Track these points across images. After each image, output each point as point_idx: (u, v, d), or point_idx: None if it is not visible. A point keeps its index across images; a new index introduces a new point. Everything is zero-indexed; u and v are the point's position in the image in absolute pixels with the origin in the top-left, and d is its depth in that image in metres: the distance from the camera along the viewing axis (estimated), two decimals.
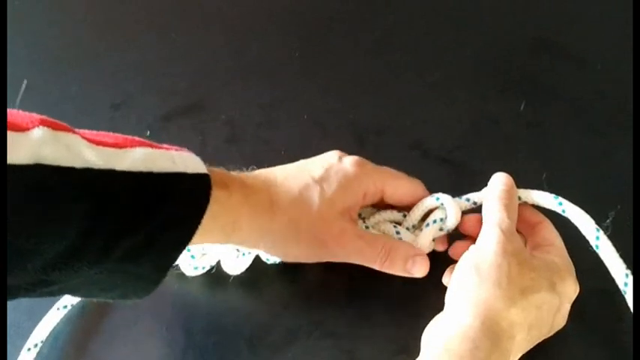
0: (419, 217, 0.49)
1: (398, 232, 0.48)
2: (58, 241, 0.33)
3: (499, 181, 0.46)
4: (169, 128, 0.61)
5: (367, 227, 0.49)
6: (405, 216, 0.49)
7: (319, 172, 0.45)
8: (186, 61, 0.66)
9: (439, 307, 0.50)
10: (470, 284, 0.41)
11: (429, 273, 0.50)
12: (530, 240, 0.46)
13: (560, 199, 0.46)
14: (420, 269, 0.46)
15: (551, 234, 0.46)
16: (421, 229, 0.48)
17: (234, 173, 0.45)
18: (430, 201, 0.48)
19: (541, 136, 0.59)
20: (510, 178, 0.46)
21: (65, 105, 0.63)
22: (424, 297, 0.51)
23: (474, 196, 0.48)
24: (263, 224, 0.44)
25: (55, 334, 0.50)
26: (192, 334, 0.50)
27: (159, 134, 0.60)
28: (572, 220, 0.45)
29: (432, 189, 0.56)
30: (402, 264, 0.46)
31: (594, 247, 0.44)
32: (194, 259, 0.49)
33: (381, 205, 0.50)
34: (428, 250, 0.48)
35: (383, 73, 0.64)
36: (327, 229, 0.44)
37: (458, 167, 0.57)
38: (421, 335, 0.49)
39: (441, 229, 0.48)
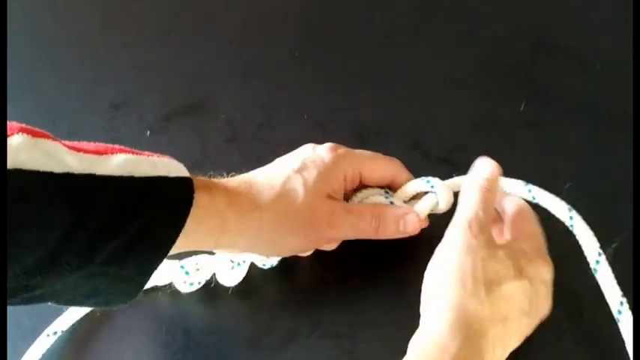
0: (406, 198, 0.49)
1: (392, 203, 0.48)
2: (39, 245, 0.33)
3: (483, 168, 0.45)
4: (169, 128, 0.61)
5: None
6: (387, 192, 0.49)
7: (297, 164, 0.46)
8: (186, 61, 0.66)
9: None
10: (436, 287, 0.41)
11: None
12: (508, 231, 0.46)
13: (530, 186, 0.46)
14: (412, 226, 0.47)
15: (526, 223, 0.45)
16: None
17: (215, 179, 0.45)
18: (420, 184, 0.48)
19: (541, 136, 0.59)
20: (497, 166, 0.45)
21: (65, 105, 0.63)
22: None
23: (458, 182, 0.47)
24: (252, 224, 0.44)
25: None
26: (192, 334, 0.50)
27: (159, 134, 0.60)
28: (576, 233, 0.45)
29: None
30: (394, 226, 0.46)
31: (593, 271, 0.44)
32: (188, 276, 0.49)
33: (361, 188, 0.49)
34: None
35: (383, 73, 0.64)
36: (316, 213, 0.45)
37: (458, 167, 0.57)
38: None
39: (431, 211, 0.48)
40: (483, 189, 0.44)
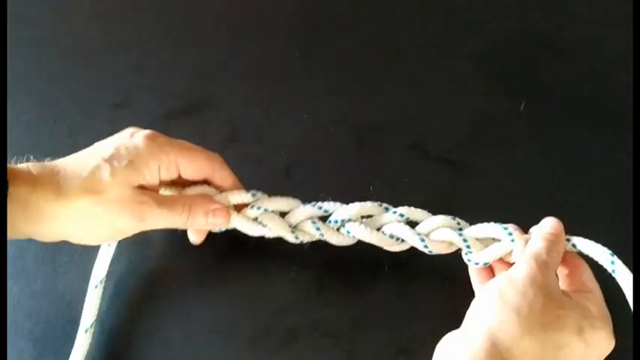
0: (479, 237, 0.47)
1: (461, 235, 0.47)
2: None
3: (548, 224, 0.45)
4: (169, 128, 0.61)
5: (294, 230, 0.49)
6: (459, 224, 0.48)
7: (109, 152, 0.44)
8: (186, 61, 0.66)
9: (439, 308, 0.50)
10: (490, 308, 0.40)
11: (429, 273, 0.50)
12: (569, 282, 0.45)
13: (615, 257, 0.45)
14: (221, 220, 0.47)
15: (591, 281, 0.44)
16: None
17: (22, 165, 0.44)
18: (499, 232, 0.46)
19: (541, 136, 0.59)
20: (560, 224, 0.45)
21: (65, 105, 0.63)
22: (424, 297, 0.51)
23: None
24: (58, 212, 0.42)
25: (51, 330, 0.50)
26: (192, 334, 0.50)
27: None
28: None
29: (432, 189, 0.56)
30: (203, 218, 0.47)
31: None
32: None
33: (182, 182, 0.49)
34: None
35: (383, 73, 0.64)
36: (125, 204, 0.44)
37: (458, 167, 0.58)
38: (421, 335, 0.49)
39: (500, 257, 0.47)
40: (548, 240, 0.44)
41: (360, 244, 0.49)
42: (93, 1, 0.72)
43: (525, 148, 0.58)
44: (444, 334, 0.49)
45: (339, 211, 0.48)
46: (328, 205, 0.48)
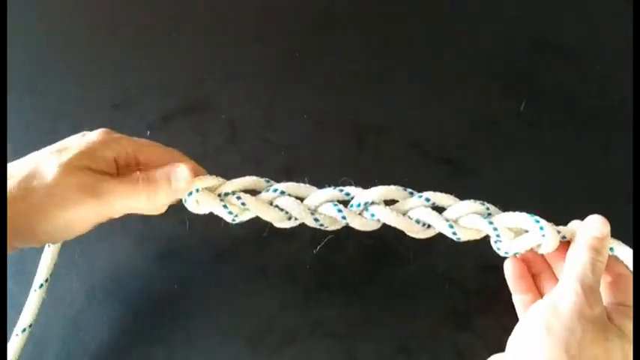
0: (508, 225, 0.45)
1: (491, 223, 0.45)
2: None
3: (594, 226, 0.43)
4: (169, 128, 0.61)
5: (314, 212, 0.46)
6: (488, 209, 0.45)
7: (58, 147, 0.44)
8: (186, 61, 0.66)
9: (439, 307, 0.50)
10: (538, 342, 0.39)
11: (429, 273, 0.50)
12: (612, 294, 0.44)
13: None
14: (183, 178, 0.44)
15: (630, 292, 0.43)
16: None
17: None
18: (529, 223, 0.44)
19: (541, 136, 0.59)
20: (607, 224, 0.43)
21: (65, 105, 0.63)
22: (424, 297, 0.51)
23: (566, 231, 0.44)
24: (21, 209, 0.41)
25: (52, 330, 0.50)
26: (192, 334, 0.50)
27: (159, 134, 0.60)
28: None
29: (432, 189, 0.56)
30: (166, 185, 0.44)
31: None
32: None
33: None
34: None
35: (383, 73, 0.64)
36: (71, 187, 0.42)
37: (458, 167, 0.58)
38: (421, 335, 0.49)
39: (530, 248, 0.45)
40: (594, 249, 0.42)
41: (360, 244, 0.49)
42: (93, 1, 0.72)
43: (525, 148, 0.58)
44: (443, 334, 0.49)
45: (361, 193, 0.45)
46: (349, 189, 0.46)
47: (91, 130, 0.46)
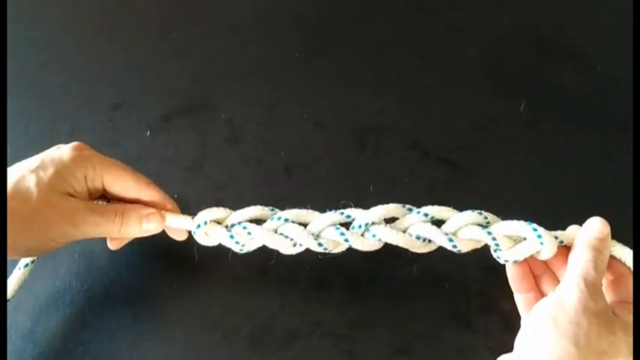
0: (506, 233, 0.46)
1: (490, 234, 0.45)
2: None
3: (594, 227, 0.44)
4: (169, 128, 0.61)
5: (317, 237, 0.47)
6: (486, 218, 0.46)
7: (35, 164, 0.45)
8: (186, 61, 0.66)
9: (438, 307, 0.50)
10: (545, 337, 0.40)
11: (430, 274, 0.50)
12: (614, 292, 0.45)
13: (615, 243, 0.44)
14: (155, 225, 0.47)
15: (631, 288, 0.44)
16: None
17: None
18: (527, 231, 0.44)
19: (541, 136, 0.59)
20: (607, 225, 0.44)
21: (65, 105, 0.63)
22: (424, 297, 0.51)
23: (564, 236, 0.45)
24: None
25: (52, 330, 0.50)
26: (193, 334, 0.50)
27: (159, 134, 0.60)
28: None
29: (432, 189, 0.56)
30: (137, 225, 0.47)
31: None
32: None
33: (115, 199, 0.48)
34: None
35: (383, 73, 0.64)
36: (54, 212, 0.44)
37: (458, 167, 0.58)
38: (421, 335, 0.49)
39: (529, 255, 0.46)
40: (595, 249, 0.43)
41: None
42: (93, 1, 0.72)
43: (525, 148, 0.58)
44: (443, 334, 0.49)
45: (362, 215, 0.47)
46: (350, 211, 0.47)
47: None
